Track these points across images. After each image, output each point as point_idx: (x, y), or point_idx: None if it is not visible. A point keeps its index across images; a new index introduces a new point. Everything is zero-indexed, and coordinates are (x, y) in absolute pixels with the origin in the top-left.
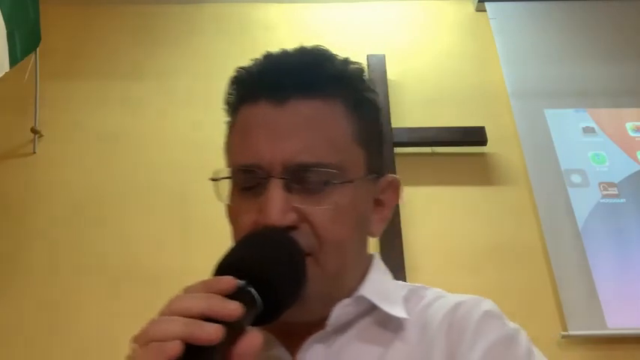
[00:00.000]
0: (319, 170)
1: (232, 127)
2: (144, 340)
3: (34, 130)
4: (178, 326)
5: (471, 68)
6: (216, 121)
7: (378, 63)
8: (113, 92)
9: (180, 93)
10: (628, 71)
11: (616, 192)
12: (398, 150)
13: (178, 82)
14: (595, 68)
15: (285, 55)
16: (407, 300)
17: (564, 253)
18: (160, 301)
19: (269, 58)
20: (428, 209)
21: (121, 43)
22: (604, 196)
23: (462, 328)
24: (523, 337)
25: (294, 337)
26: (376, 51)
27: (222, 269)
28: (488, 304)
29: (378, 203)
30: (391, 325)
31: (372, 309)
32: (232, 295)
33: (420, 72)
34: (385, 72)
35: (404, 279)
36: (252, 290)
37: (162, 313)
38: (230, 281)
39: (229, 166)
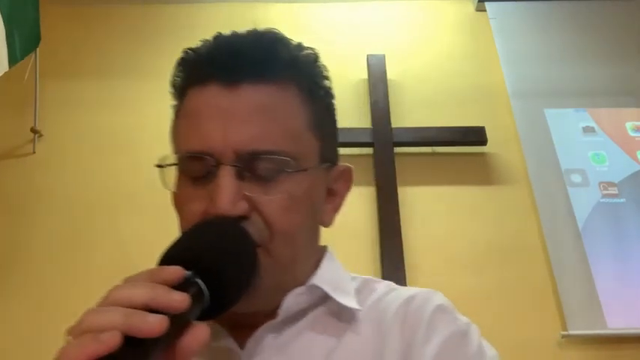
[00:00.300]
0: (273, 158)
1: (179, 111)
2: (78, 331)
3: (33, 130)
4: (117, 316)
5: (471, 68)
6: None
7: (378, 63)
8: (113, 92)
9: None
10: (628, 71)
11: (616, 192)
12: (398, 150)
13: None
14: (595, 68)
15: (237, 37)
16: (359, 292)
17: (564, 253)
18: None
19: (219, 39)
20: (428, 209)
21: (121, 43)
22: (604, 196)
23: (416, 321)
24: (474, 332)
25: (245, 328)
26: (376, 51)
27: (168, 259)
28: (440, 298)
29: (330, 193)
30: (344, 316)
31: (324, 299)
32: (178, 286)
33: (420, 72)
34: (385, 72)
35: (404, 279)
36: (200, 282)
37: (101, 304)
38: (176, 271)
39: (176, 152)
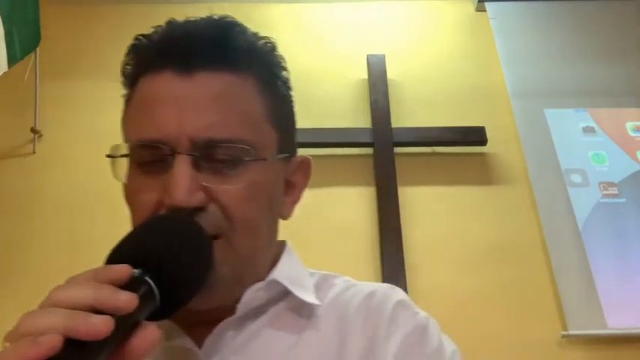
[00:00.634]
0: (230, 146)
1: (130, 99)
2: (16, 336)
3: (33, 130)
4: (59, 318)
5: (471, 68)
6: None
7: (378, 63)
8: (113, 92)
9: None
10: (628, 71)
11: (616, 192)
12: (398, 150)
13: None
14: (595, 68)
15: (191, 23)
16: (318, 287)
17: (564, 253)
18: None
19: (173, 25)
20: (428, 209)
21: (121, 43)
22: (604, 196)
23: (378, 316)
24: (433, 326)
25: (202, 325)
26: (376, 51)
27: (116, 257)
28: (400, 294)
29: (289, 185)
30: (304, 311)
31: (284, 294)
32: (126, 286)
33: (420, 72)
34: (385, 72)
35: (404, 279)
36: (149, 280)
37: (42, 305)
38: (123, 270)
39: (128, 141)
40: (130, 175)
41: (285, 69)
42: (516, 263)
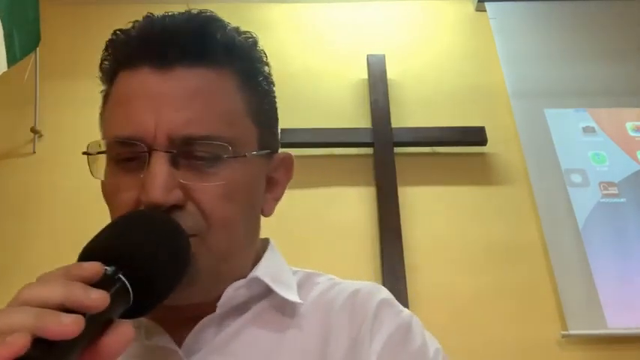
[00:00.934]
0: (209, 143)
1: (108, 96)
2: None
3: (33, 130)
4: (27, 317)
5: (471, 68)
6: None
7: (378, 63)
8: None
9: None
10: (628, 71)
11: (616, 192)
12: (398, 150)
13: None
14: (595, 68)
15: (169, 18)
16: (301, 286)
17: (564, 253)
18: None
19: (151, 20)
20: (428, 209)
21: None
22: (604, 196)
23: (362, 315)
24: (417, 324)
25: (183, 324)
26: (376, 51)
27: (88, 254)
28: (384, 292)
29: (271, 182)
30: (287, 310)
31: (267, 292)
32: (98, 283)
33: (420, 72)
34: (385, 72)
35: (404, 279)
36: (122, 277)
37: (11, 304)
38: (95, 267)
39: (105, 138)
40: (108, 173)
41: (267, 64)
42: (516, 263)
